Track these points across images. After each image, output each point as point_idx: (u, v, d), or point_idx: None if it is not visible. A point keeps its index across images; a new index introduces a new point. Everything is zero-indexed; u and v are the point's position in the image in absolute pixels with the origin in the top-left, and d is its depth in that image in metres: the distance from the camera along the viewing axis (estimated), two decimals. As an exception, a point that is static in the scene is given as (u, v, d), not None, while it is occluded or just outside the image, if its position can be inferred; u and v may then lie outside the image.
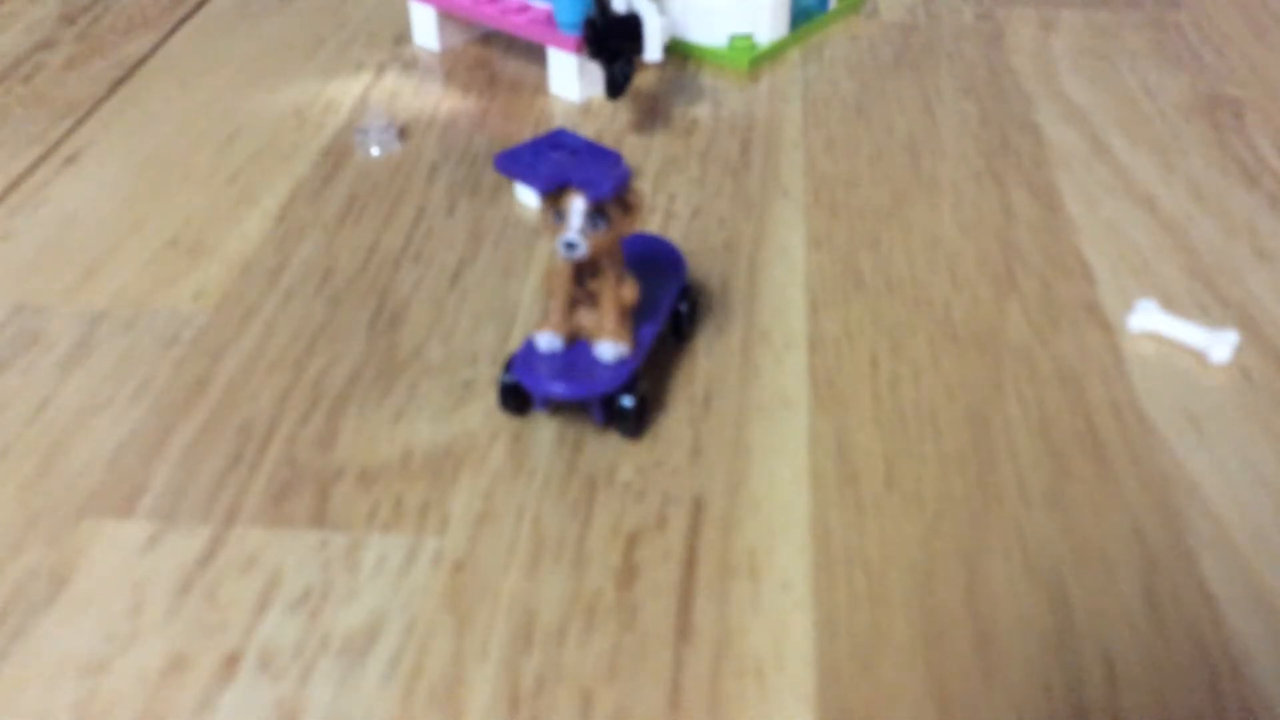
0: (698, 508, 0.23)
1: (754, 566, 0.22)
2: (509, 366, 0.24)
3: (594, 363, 0.24)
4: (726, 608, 0.21)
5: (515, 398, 0.25)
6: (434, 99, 0.39)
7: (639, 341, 0.24)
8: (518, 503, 0.23)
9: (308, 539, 0.22)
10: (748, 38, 0.41)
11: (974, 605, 0.21)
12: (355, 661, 0.20)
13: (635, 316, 0.25)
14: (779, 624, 0.21)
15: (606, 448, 0.24)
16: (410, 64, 0.42)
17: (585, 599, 0.21)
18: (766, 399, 0.26)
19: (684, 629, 0.20)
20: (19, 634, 0.20)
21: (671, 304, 0.26)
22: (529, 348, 0.24)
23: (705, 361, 0.27)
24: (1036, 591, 0.21)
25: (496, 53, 0.42)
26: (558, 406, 0.25)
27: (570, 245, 0.22)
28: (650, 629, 0.20)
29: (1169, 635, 0.20)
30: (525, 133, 0.37)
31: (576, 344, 0.24)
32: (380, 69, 0.41)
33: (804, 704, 0.19)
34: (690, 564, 0.22)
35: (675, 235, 0.32)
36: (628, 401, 0.24)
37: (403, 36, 0.43)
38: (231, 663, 0.20)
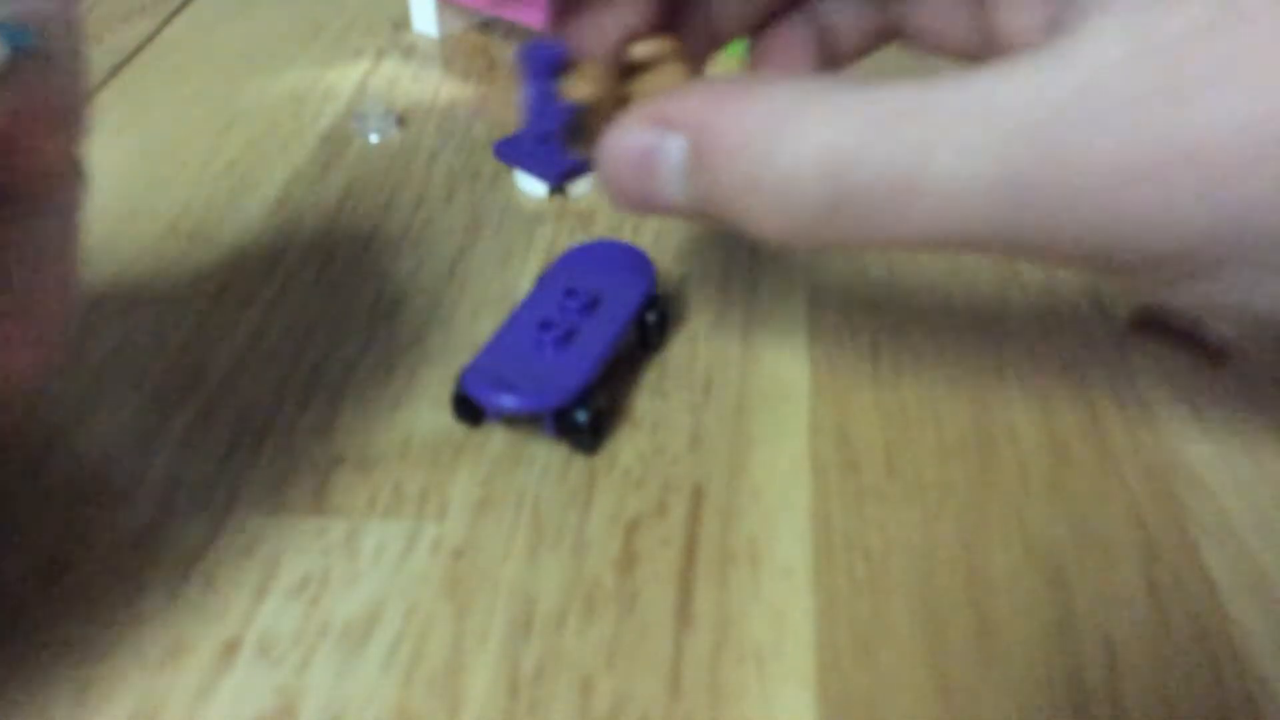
0: (698, 495, 0.23)
1: (754, 554, 0.22)
2: (460, 377, 0.24)
3: (547, 374, 0.23)
4: (727, 595, 0.21)
5: (467, 409, 0.24)
6: (433, 86, 0.39)
7: (593, 353, 0.24)
8: (517, 490, 0.23)
9: (307, 526, 0.22)
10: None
11: (974, 592, 0.21)
12: (355, 648, 0.20)
13: (593, 326, 0.24)
14: (779, 611, 0.20)
15: (606, 435, 0.24)
16: (409, 50, 0.41)
17: (585, 586, 0.21)
18: (767, 386, 0.26)
19: (684, 616, 0.20)
20: (20, 618, 0.20)
21: (634, 314, 0.25)
22: (483, 356, 0.24)
23: (705, 349, 0.27)
24: (1037, 579, 0.21)
25: (496, 39, 0.42)
26: (513, 418, 0.24)
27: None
28: (650, 616, 0.20)
29: (1170, 623, 0.20)
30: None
31: (536, 351, 0.24)
32: (379, 55, 0.41)
33: (804, 690, 0.19)
34: (690, 551, 0.22)
35: (672, 227, 0.31)
36: (581, 416, 0.23)
37: (401, 23, 0.43)
38: (230, 649, 0.20)
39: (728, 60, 0.40)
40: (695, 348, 0.27)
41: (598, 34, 0.21)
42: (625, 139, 0.20)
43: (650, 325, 0.26)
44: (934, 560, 0.21)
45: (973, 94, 0.16)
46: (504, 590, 0.21)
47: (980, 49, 0.23)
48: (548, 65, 0.22)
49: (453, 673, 0.19)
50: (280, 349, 0.27)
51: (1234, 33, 0.14)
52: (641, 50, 0.22)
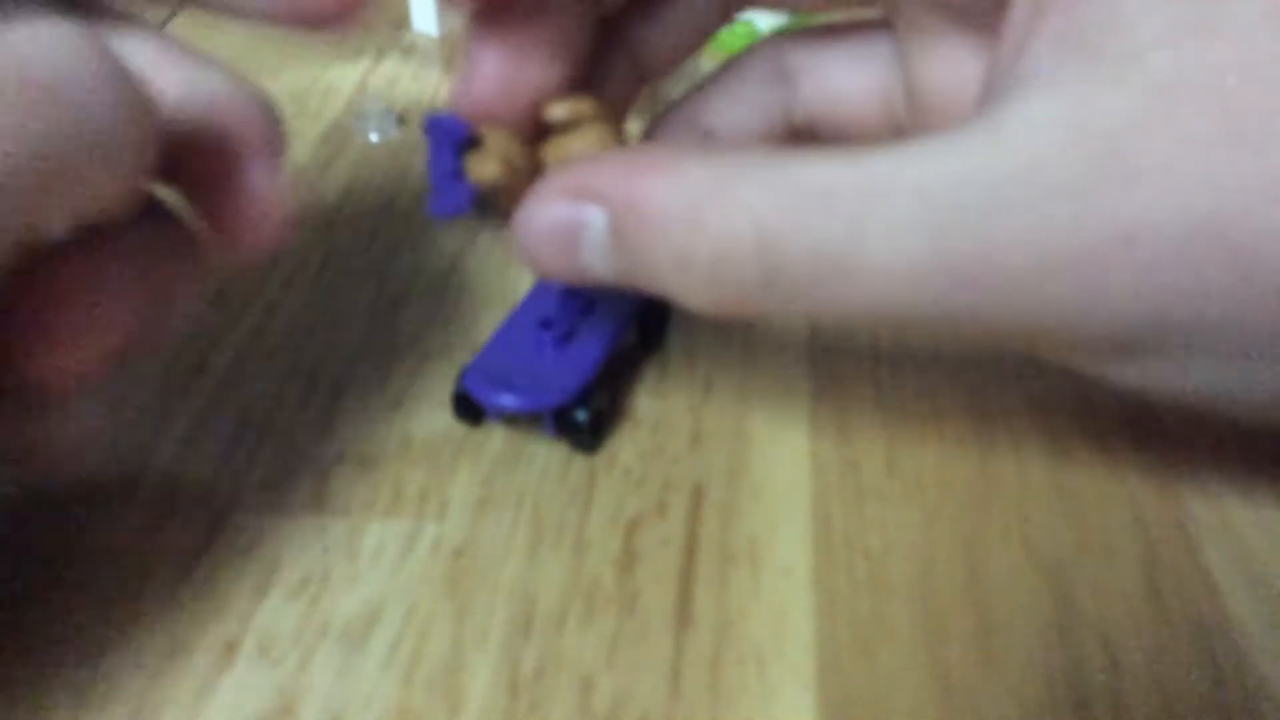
0: (698, 494, 0.23)
1: (754, 553, 0.22)
2: (460, 376, 0.24)
3: (547, 374, 0.23)
4: (727, 594, 0.21)
5: (467, 408, 0.24)
6: (433, 84, 0.39)
7: (593, 352, 0.24)
8: (517, 489, 0.23)
9: (306, 525, 0.22)
10: (749, 24, 0.41)
11: (975, 592, 0.21)
12: (354, 647, 0.20)
13: (593, 325, 0.24)
14: (779, 610, 0.20)
15: (606, 434, 0.24)
16: (409, 50, 0.41)
17: (585, 585, 0.21)
18: (767, 385, 0.26)
19: (684, 615, 0.20)
20: (15, 623, 0.20)
21: (633, 314, 0.25)
22: (483, 355, 0.24)
23: (706, 348, 0.27)
24: (1037, 578, 0.21)
25: (496, 38, 0.42)
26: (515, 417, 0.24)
27: None
28: (650, 615, 0.20)
29: (1171, 623, 0.20)
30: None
31: (536, 351, 0.24)
32: (379, 54, 0.41)
33: (804, 690, 0.19)
34: (690, 550, 0.22)
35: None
36: (581, 415, 0.23)
37: (401, 22, 0.43)
38: (230, 649, 0.20)
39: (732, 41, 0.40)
40: (695, 347, 0.27)
41: (508, 95, 0.20)
42: (542, 213, 0.19)
43: (650, 324, 0.26)
44: (934, 559, 0.21)
45: (906, 171, 0.16)
46: (504, 590, 0.21)
47: (901, 123, 0.23)
48: (451, 140, 0.20)
49: (453, 672, 0.19)
50: (280, 349, 0.27)
51: (1172, 119, 0.14)
52: (558, 111, 0.20)
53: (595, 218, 0.18)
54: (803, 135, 0.25)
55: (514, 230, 0.20)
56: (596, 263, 0.19)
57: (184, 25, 0.43)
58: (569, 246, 0.19)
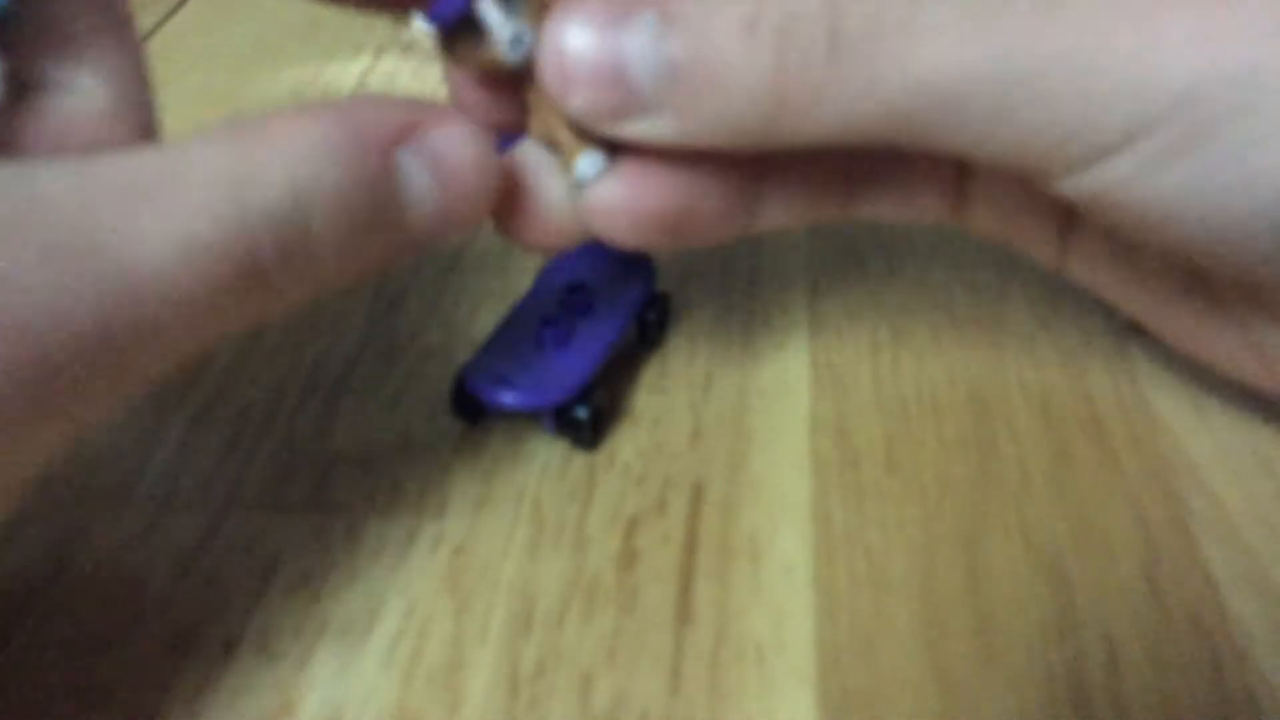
0: (698, 491, 0.23)
1: (754, 550, 0.22)
2: (460, 374, 0.24)
3: (547, 371, 0.23)
4: (727, 591, 0.21)
5: (467, 406, 0.24)
6: (433, 81, 0.39)
7: (593, 350, 0.24)
8: (517, 486, 0.23)
9: (306, 523, 0.22)
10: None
11: (975, 588, 0.21)
12: (354, 645, 0.20)
13: (593, 323, 0.24)
14: (780, 607, 0.20)
15: (606, 432, 0.24)
16: (409, 46, 0.41)
17: (585, 583, 0.21)
18: (767, 382, 0.26)
19: (684, 613, 0.20)
20: (20, 617, 0.20)
21: (634, 312, 0.25)
22: (483, 353, 0.24)
23: (706, 345, 0.27)
24: (1037, 575, 0.21)
25: (495, 36, 0.42)
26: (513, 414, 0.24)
27: (518, 40, 0.19)
28: (650, 613, 0.20)
29: (1170, 619, 0.20)
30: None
31: (536, 349, 0.24)
32: (378, 51, 0.41)
33: (804, 686, 0.19)
34: (690, 548, 0.22)
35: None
36: (582, 413, 0.23)
37: (401, 18, 0.43)
38: (230, 647, 0.20)
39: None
40: (695, 344, 0.27)
41: None
42: (579, 38, 0.17)
43: (650, 322, 0.26)
44: (934, 557, 0.21)
45: None
46: (504, 587, 0.21)
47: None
48: None
49: (452, 670, 0.19)
50: (279, 347, 0.27)
51: None
52: None
53: (642, 29, 0.17)
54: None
55: (542, 68, 0.18)
56: (649, 82, 0.17)
57: (185, 23, 0.43)
58: (616, 70, 0.17)
